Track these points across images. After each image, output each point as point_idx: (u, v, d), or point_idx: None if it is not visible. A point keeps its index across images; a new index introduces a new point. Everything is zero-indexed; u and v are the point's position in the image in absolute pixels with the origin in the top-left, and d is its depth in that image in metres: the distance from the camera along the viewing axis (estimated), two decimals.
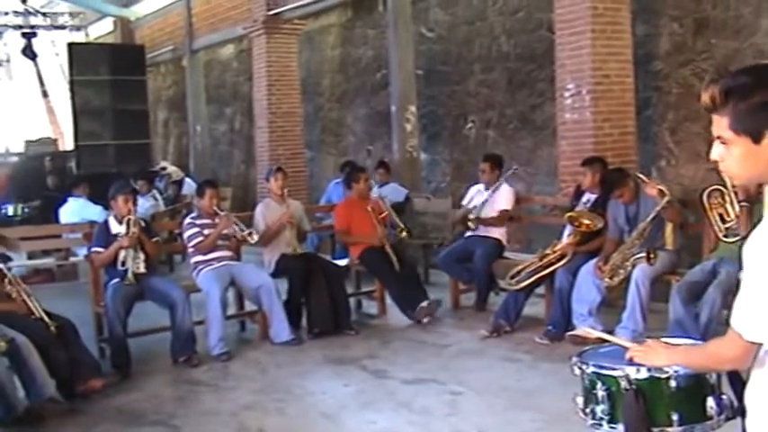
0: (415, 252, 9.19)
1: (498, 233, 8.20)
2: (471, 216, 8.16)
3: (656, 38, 9.41)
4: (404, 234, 8.33)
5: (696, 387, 2.87)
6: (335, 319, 7.62)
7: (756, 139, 2.06)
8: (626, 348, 2.85)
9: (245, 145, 17.90)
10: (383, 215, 8.30)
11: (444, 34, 12.55)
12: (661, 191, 6.42)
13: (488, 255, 8.03)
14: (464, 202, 8.56)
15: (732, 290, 5.74)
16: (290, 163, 13.69)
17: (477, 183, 8.55)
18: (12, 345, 5.50)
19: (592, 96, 8.34)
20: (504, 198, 8.25)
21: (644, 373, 2.88)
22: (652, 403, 2.87)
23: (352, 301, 8.32)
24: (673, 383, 2.85)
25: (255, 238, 7.54)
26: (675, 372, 2.83)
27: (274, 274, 7.67)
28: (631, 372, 2.88)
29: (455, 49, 12.32)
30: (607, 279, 6.58)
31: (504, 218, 8.24)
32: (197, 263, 7.42)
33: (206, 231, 7.45)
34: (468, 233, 8.33)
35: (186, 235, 7.51)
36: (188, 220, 7.65)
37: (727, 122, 2.09)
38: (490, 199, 8.24)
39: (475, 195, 8.44)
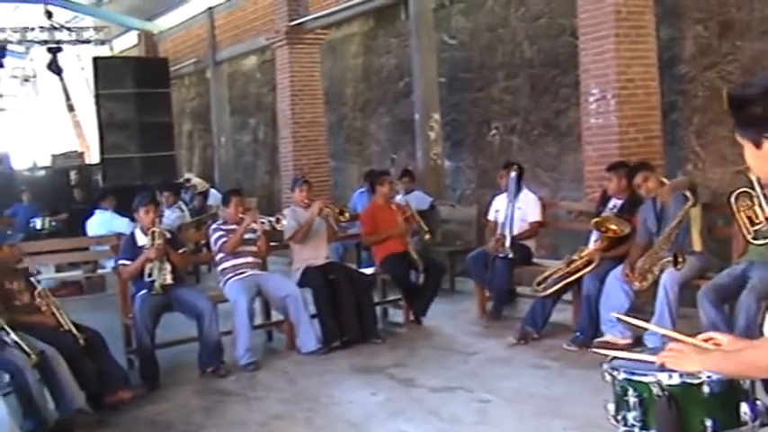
0: (442, 259, 9.15)
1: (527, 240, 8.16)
2: (506, 244, 7.95)
3: (680, 41, 9.35)
4: (427, 237, 8.37)
5: (730, 393, 2.85)
6: (362, 327, 7.61)
7: (757, 146, 2.23)
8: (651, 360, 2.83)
9: (269, 155, 17.96)
10: (407, 215, 8.33)
11: (467, 41, 12.54)
12: (684, 195, 6.41)
13: (512, 260, 7.96)
14: (490, 216, 8.49)
15: (766, 295, 5.70)
16: (314, 172, 13.73)
17: (500, 193, 8.49)
18: (42, 357, 5.54)
19: (616, 101, 8.30)
20: (532, 209, 8.17)
21: (676, 379, 2.85)
22: (685, 410, 2.85)
23: (378, 309, 8.31)
24: (706, 389, 2.83)
25: (285, 222, 7.55)
26: (708, 377, 2.80)
27: (300, 286, 7.66)
28: (664, 378, 2.86)
29: (478, 55, 12.31)
30: (637, 283, 6.52)
31: (537, 227, 8.20)
32: (224, 270, 7.44)
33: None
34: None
35: (213, 238, 7.53)
36: (214, 226, 7.69)
37: (735, 128, 2.29)
38: (517, 212, 8.13)
39: (500, 208, 8.34)
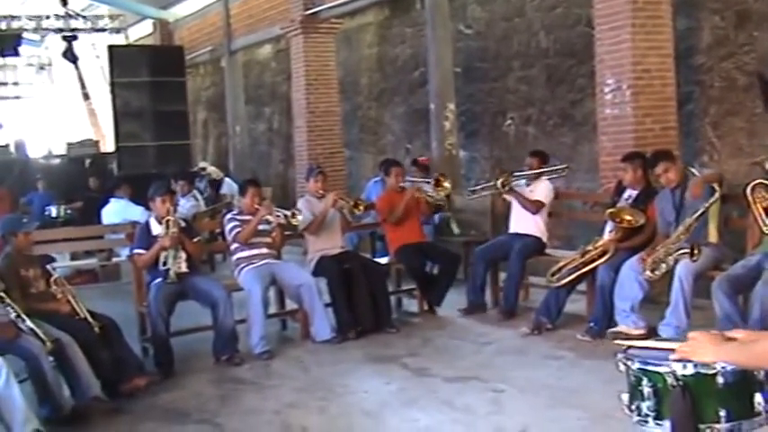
0: (456, 249, 9.14)
1: (538, 231, 8.11)
2: (509, 180, 8.07)
3: (697, 31, 9.31)
4: (445, 184, 8.50)
5: (744, 383, 2.84)
6: (376, 317, 7.62)
7: None
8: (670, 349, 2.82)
9: (283, 144, 17.98)
10: (420, 191, 8.46)
11: (482, 31, 12.51)
12: (712, 187, 6.40)
13: (525, 252, 7.92)
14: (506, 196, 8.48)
15: None
16: (329, 162, 13.73)
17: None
18: (57, 344, 5.58)
19: (632, 91, 8.27)
20: (542, 191, 8.15)
21: (690, 369, 2.85)
22: (699, 400, 2.85)
23: (392, 299, 8.33)
24: (720, 380, 2.82)
25: (300, 217, 7.55)
26: (723, 368, 2.80)
27: (314, 275, 7.68)
28: (678, 368, 2.86)
29: (493, 45, 12.28)
30: (648, 272, 6.51)
31: (536, 206, 8.05)
32: (239, 260, 7.46)
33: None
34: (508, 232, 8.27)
35: (228, 228, 7.55)
36: (229, 215, 7.70)
37: (765, 109, 2.27)
38: (531, 185, 8.18)
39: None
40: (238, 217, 7.57)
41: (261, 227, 7.49)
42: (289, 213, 7.52)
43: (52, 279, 6.23)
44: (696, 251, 6.22)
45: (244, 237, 7.40)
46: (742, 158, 8.59)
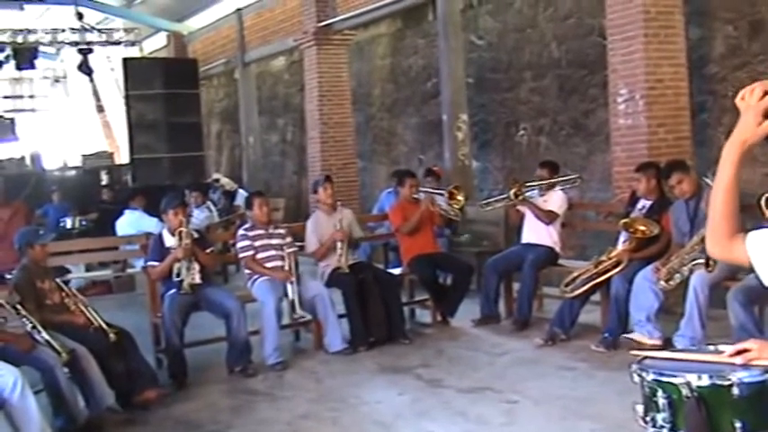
0: (469, 260, 9.13)
1: (551, 241, 8.09)
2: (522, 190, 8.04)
3: (710, 41, 9.29)
4: (459, 198, 8.51)
5: (760, 395, 2.81)
6: (389, 328, 7.61)
7: None
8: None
9: (297, 155, 18.02)
10: (434, 203, 8.45)
11: (494, 42, 12.52)
12: None
13: (538, 262, 7.90)
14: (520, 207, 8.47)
15: None
16: (342, 173, 13.77)
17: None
18: (72, 355, 5.59)
19: (645, 101, 8.26)
20: (555, 201, 8.12)
21: (706, 381, 2.83)
22: (715, 411, 2.82)
23: (406, 309, 8.32)
24: (736, 391, 2.79)
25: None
26: (739, 379, 2.78)
27: (327, 286, 7.67)
28: (693, 379, 2.83)
29: (505, 56, 12.28)
30: (663, 282, 6.48)
31: (549, 217, 8.02)
32: (251, 273, 7.48)
33: (257, 243, 7.51)
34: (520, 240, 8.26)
35: (238, 246, 7.58)
36: (241, 231, 7.69)
37: None
38: (544, 196, 8.15)
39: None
40: (250, 233, 7.57)
41: (274, 241, 7.57)
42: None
43: (63, 293, 6.24)
44: (711, 261, 6.18)
45: (255, 271, 7.46)
46: (756, 168, 8.55)
